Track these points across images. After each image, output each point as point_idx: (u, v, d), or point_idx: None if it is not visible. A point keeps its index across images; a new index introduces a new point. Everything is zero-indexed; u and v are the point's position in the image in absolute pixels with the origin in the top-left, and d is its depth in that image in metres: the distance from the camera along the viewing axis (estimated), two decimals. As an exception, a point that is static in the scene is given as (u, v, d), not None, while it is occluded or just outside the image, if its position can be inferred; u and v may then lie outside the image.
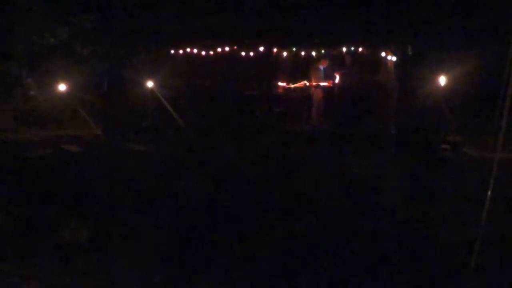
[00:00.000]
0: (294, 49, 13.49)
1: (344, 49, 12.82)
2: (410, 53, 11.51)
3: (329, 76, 12.94)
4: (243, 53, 13.59)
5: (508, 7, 10.37)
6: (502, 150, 4.90)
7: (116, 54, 12.23)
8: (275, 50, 13.34)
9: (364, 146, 10.28)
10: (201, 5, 13.14)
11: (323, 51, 13.08)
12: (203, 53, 13.68)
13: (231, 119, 12.69)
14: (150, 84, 12.23)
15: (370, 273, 4.57)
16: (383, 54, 12.47)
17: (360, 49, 12.85)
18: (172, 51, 13.72)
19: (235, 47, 13.44)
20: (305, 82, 13.20)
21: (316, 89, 13.09)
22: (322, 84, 13.02)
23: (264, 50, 13.18)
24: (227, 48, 13.42)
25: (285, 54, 13.54)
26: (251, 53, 13.54)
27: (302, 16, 12.90)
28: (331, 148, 10.45)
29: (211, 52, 13.61)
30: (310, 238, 5.42)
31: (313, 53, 13.33)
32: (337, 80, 12.91)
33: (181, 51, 13.75)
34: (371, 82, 12.98)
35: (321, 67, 13.01)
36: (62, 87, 11.28)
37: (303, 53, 13.49)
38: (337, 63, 13.09)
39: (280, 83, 13.39)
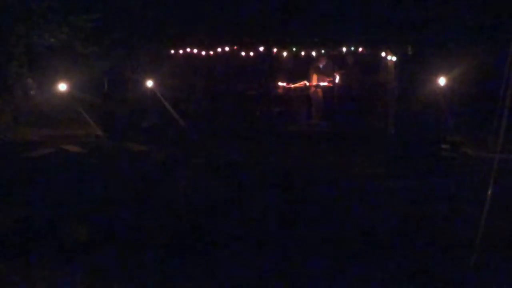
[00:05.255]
0: (294, 49, 13.48)
1: (344, 49, 12.82)
2: (410, 53, 11.50)
3: (328, 74, 12.94)
4: (243, 53, 13.58)
5: (508, 7, 10.38)
6: (502, 150, 4.90)
7: (116, 54, 12.22)
8: (275, 50, 13.33)
9: (364, 146, 10.29)
10: (201, 5, 13.14)
11: (323, 51, 13.06)
12: (203, 53, 13.67)
13: (231, 119, 12.70)
14: (150, 84, 12.24)
15: (369, 272, 4.57)
16: (383, 54, 12.46)
17: (360, 49, 12.84)
18: (172, 51, 13.72)
19: (235, 47, 13.43)
20: (305, 82, 13.21)
21: (316, 89, 13.10)
22: (322, 84, 13.03)
23: (264, 50, 13.17)
24: (227, 48, 13.41)
25: (285, 54, 13.53)
26: (251, 53, 13.52)
27: (302, 16, 12.88)
28: (331, 148, 10.46)
29: (211, 52, 13.60)
30: (309, 239, 5.42)
31: (313, 53, 13.33)
32: (337, 80, 12.91)
33: (181, 51, 13.74)
34: (371, 82, 12.98)
35: (320, 65, 13.03)
36: (62, 87, 11.27)
37: (303, 53, 13.48)
38: (337, 63, 13.09)
39: (280, 83, 13.38)
